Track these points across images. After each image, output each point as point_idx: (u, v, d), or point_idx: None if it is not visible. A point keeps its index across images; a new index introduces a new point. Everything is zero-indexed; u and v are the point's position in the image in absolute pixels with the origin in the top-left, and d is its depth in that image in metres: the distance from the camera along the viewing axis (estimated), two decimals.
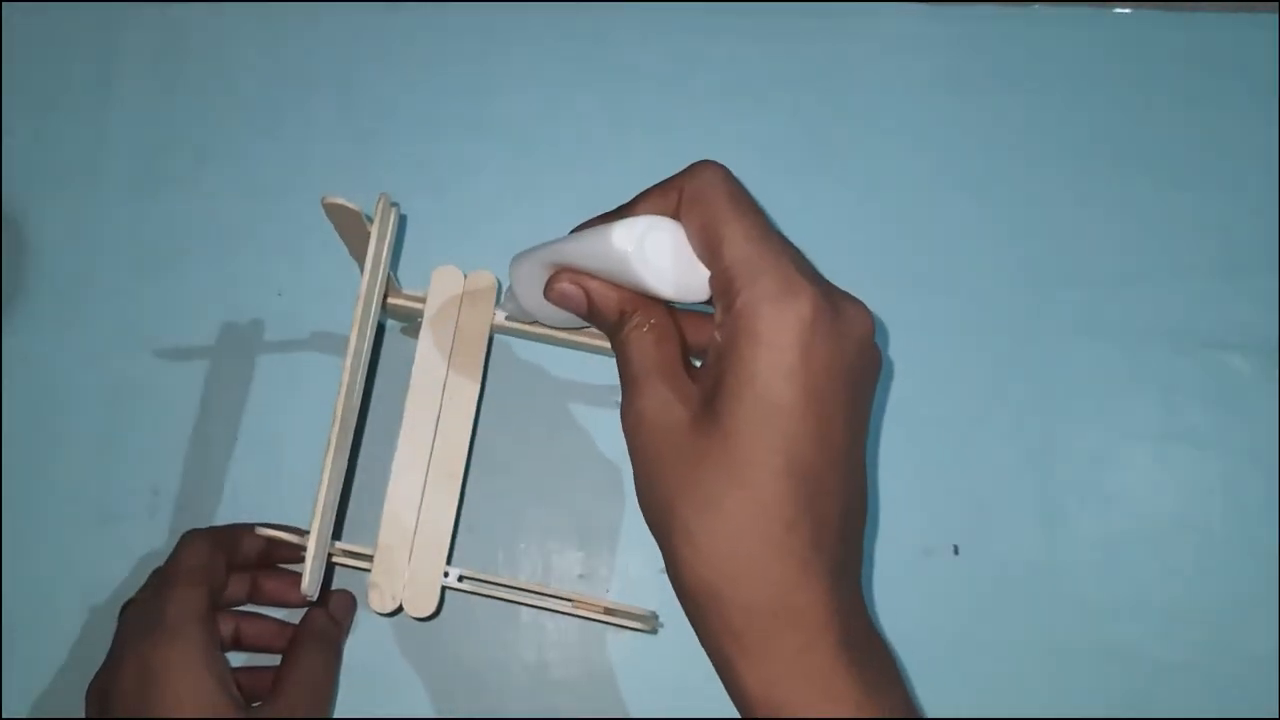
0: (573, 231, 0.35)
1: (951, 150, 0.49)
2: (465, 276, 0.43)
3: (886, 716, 0.30)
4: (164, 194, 0.50)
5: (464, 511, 0.43)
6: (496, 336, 0.44)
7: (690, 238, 0.31)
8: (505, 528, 0.46)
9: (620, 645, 0.45)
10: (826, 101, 0.50)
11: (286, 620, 0.44)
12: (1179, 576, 0.45)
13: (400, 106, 0.50)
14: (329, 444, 0.38)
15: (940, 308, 0.48)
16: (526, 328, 0.43)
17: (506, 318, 0.43)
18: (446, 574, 0.41)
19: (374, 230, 0.39)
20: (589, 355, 0.45)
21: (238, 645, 0.43)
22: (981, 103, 0.50)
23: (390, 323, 0.48)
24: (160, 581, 0.41)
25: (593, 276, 0.34)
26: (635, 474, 0.32)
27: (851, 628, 0.30)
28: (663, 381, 0.32)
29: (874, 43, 0.51)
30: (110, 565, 0.46)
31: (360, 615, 0.45)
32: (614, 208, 0.34)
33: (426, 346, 0.43)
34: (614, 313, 0.34)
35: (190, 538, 0.42)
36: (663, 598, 0.45)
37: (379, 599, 0.41)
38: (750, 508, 0.29)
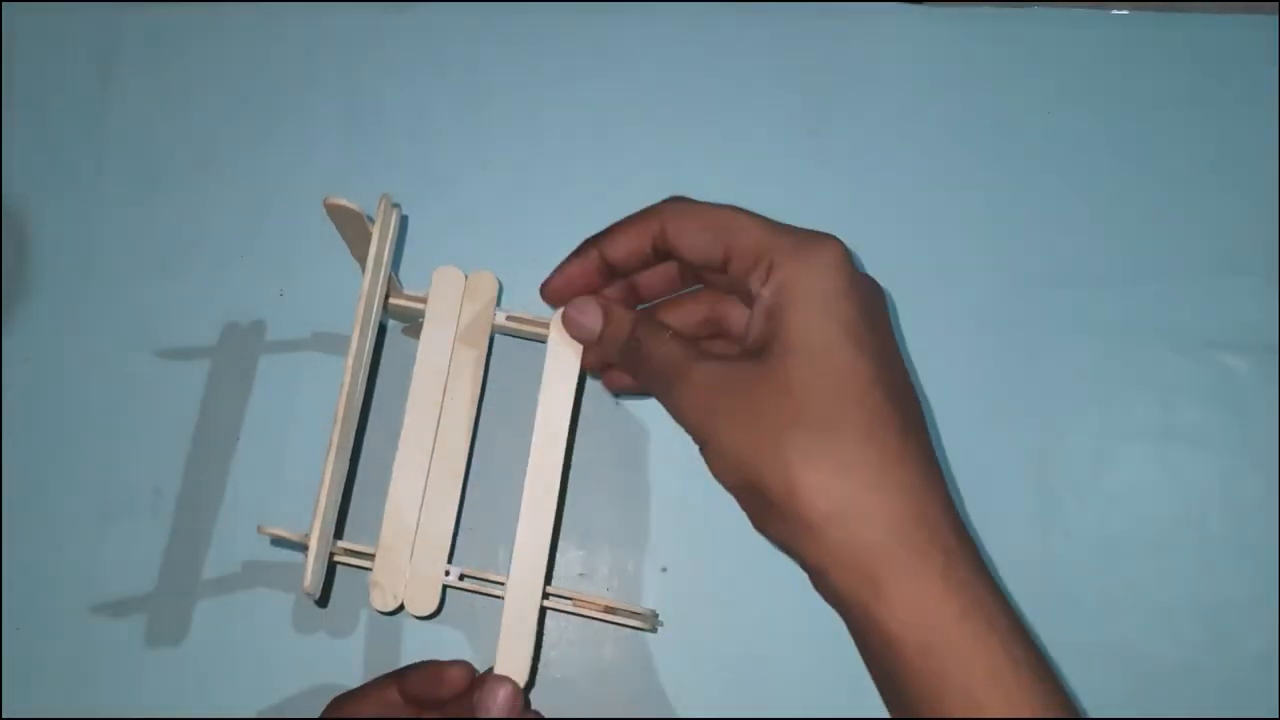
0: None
1: (951, 150, 0.49)
2: (466, 277, 0.43)
3: (1028, 634, 0.30)
4: (165, 194, 0.50)
5: (464, 511, 0.43)
6: (496, 336, 0.45)
7: (695, 236, 0.35)
8: (505, 527, 0.46)
9: (620, 645, 0.45)
10: (826, 101, 0.50)
11: None
12: (1178, 576, 0.45)
13: (400, 106, 0.50)
14: (330, 444, 0.38)
15: (939, 307, 0.48)
16: (527, 328, 0.43)
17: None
18: (448, 573, 0.41)
19: (375, 231, 0.40)
20: None
21: None
22: (981, 103, 0.50)
23: (391, 323, 0.48)
24: None
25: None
26: (711, 448, 0.33)
27: (965, 531, 0.31)
28: (707, 360, 0.34)
29: (874, 43, 0.51)
30: (110, 565, 0.46)
31: (362, 614, 0.45)
32: (594, 234, 0.38)
33: (427, 347, 0.43)
34: (627, 329, 0.36)
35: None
36: (663, 597, 0.45)
37: (380, 598, 0.41)
38: (862, 423, 0.31)
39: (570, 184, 0.50)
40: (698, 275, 0.38)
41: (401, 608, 0.41)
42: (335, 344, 0.48)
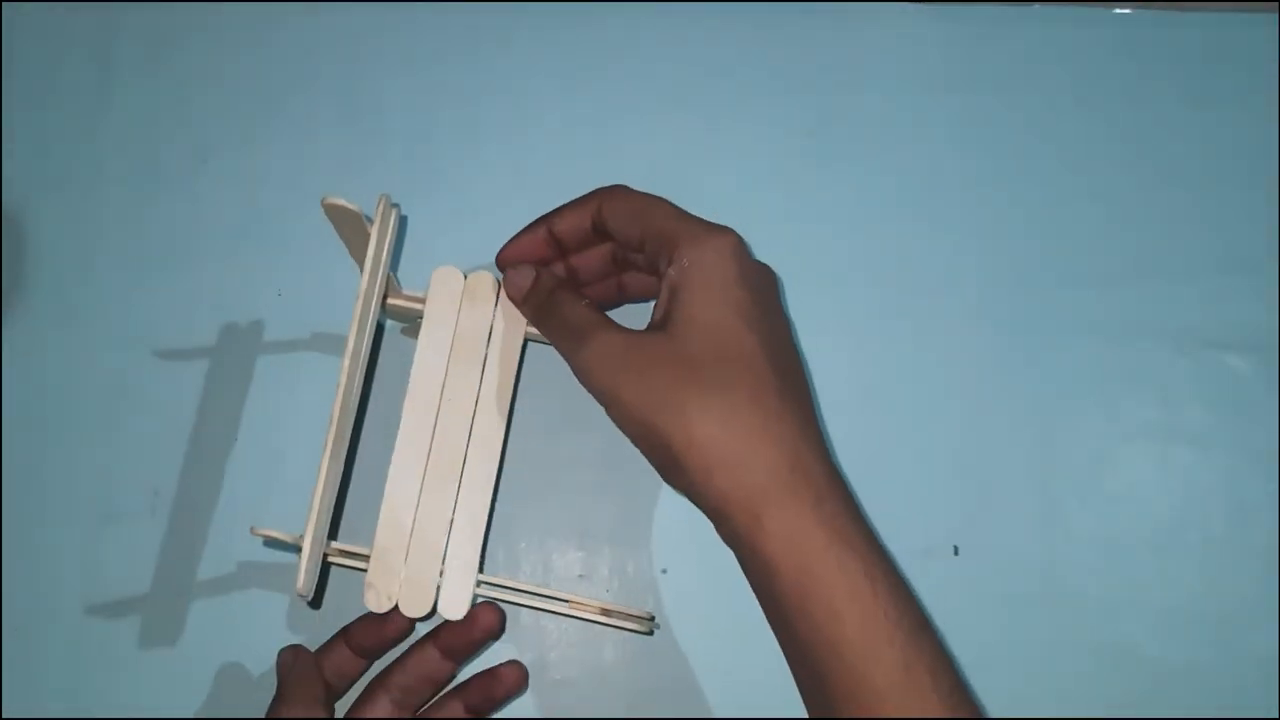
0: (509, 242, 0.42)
1: (951, 150, 0.49)
2: (465, 277, 0.43)
3: (889, 561, 0.35)
4: (164, 194, 0.50)
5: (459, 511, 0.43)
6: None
7: (622, 217, 0.40)
8: (505, 527, 0.46)
9: (620, 645, 0.45)
10: (826, 101, 0.50)
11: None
12: (1179, 576, 0.45)
13: (400, 106, 0.50)
14: (325, 445, 0.38)
15: (939, 307, 0.48)
16: (526, 329, 0.43)
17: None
18: (443, 574, 0.41)
19: (374, 231, 0.40)
20: None
21: None
22: (981, 103, 0.50)
23: (390, 323, 0.48)
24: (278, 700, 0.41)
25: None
26: (616, 405, 0.37)
27: (838, 478, 0.36)
28: (614, 328, 0.38)
29: (874, 43, 0.51)
30: (110, 565, 0.46)
31: (356, 615, 0.45)
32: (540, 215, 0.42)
33: (426, 347, 0.43)
34: (549, 287, 0.41)
35: (290, 658, 0.43)
36: (662, 598, 0.45)
37: (374, 599, 0.41)
38: (748, 386, 0.36)
39: (570, 184, 0.49)
40: (626, 259, 0.42)
41: (396, 609, 0.41)
42: (334, 344, 0.48)
